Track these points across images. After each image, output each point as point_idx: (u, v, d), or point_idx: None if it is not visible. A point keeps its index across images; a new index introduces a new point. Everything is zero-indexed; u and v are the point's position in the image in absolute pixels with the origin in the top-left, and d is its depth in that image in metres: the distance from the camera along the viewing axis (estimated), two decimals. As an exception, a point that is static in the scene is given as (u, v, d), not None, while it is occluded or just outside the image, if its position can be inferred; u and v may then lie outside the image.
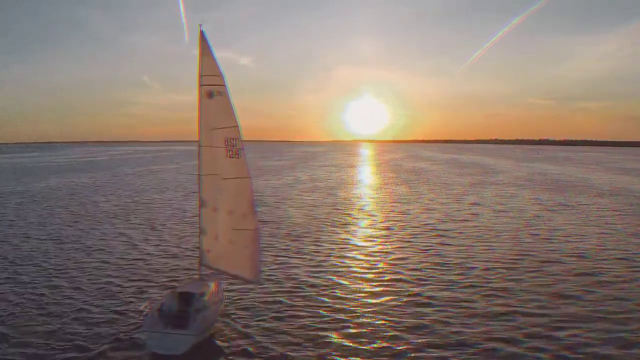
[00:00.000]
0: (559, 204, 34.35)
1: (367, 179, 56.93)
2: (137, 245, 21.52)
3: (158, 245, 21.51)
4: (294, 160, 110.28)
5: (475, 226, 25.47)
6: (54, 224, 26.43)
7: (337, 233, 23.83)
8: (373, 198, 37.46)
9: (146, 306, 13.50)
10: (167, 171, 69.96)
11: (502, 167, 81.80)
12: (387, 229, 24.86)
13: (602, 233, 24.33)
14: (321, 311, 13.78)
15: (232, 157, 13.67)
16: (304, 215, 28.68)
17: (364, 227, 25.48)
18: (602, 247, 21.23)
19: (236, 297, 14.78)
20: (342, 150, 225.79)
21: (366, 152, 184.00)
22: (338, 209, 31.14)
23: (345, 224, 26.11)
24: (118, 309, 14.03)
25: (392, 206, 32.70)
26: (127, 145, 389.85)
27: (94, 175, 61.00)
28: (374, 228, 25.18)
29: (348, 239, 22.53)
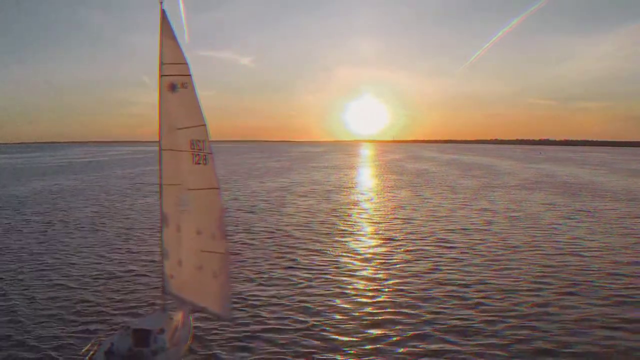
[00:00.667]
0: (576, 210, 31.79)
1: (367, 181, 54.42)
2: (104, 259, 18.88)
3: (127, 260, 18.90)
4: (292, 161, 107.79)
5: (489, 237, 22.83)
6: (21, 233, 23.94)
7: (334, 245, 21.26)
8: (374, 203, 34.93)
9: (93, 344, 11.06)
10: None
11: (506, 169, 79.27)
12: (390, 240, 22.25)
13: (631, 245, 21.73)
14: (312, 352, 11.24)
15: (199, 164, 11.16)
16: (297, 224, 26.14)
17: (364, 238, 22.91)
18: (635, 262, 18.67)
19: (208, 332, 12.22)
20: (342, 150, 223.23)
21: (366, 153, 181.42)
22: (335, 216, 28.63)
23: (343, 234, 23.55)
24: (62, 342, 11.53)
25: (394, 213, 30.16)
26: (127, 146, 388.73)
27: (83, 178, 58.54)
28: (376, 239, 22.60)
29: (345, 253, 19.98)
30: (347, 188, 45.41)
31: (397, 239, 22.40)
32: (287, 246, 20.83)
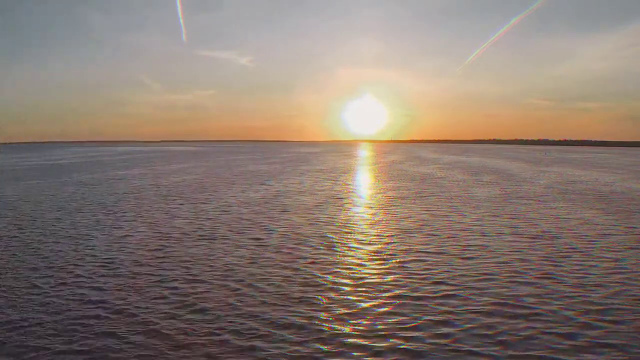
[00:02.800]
0: (647, 235, 23.77)
1: (365, 190, 46.22)
2: None
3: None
4: (284, 163, 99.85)
5: (566, 299, 14.12)
6: None
7: (319, 305, 13.23)
8: (376, 225, 26.80)
9: None
10: (132, 178, 59.36)
11: (520, 172, 71.48)
12: (409, 298, 13.90)
13: None
14: None
15: None
16: (265, 262, 18.00)
17: (363, 292, 14.76)
18: None
19: None
20: (340, 151, 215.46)
21: (365, 154, 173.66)
22: (321, 247, 20.48)
23: (334, 284, 15.46)
24: None
25: (406, 244, 22.02)
26: (123, 145, 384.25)
27: (36, 184, 50.33)
28: (384, 293, 14.33)
29: (336, 317, 12.01)
30: (341, 199, 37.34)
31: (419, 294, 14.34)
32: (246, 307, 12.78)
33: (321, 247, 20.56)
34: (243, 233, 23.41)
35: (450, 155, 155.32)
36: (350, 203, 35.31)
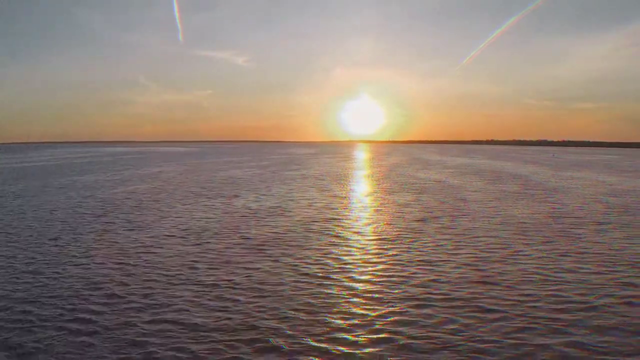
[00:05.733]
0: None
1: (364, 208, 35.17)
2: None
3: None
4: (272, 166, 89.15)
5: None
6: None
7: None
8: (383, 290, 16.09)
9: None
10: (77, 187, 48.66)
11: (544, 179, 61.07)
12: None
13: None
14: None
15: None
16: None
17: None
18: None
19: None
20: (336, 152, 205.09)
21: (362, 155, 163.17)
22: (303, 340, 9.90)
23: None
24: None
25: (444, 331, 11.44)
26: (122, 146, 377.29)
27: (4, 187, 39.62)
28: None
29: None
30: (330, 224, 26.49)
31: None
32: None
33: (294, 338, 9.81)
34: (125, 311, 12.53)
35: (453, 157, 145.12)
36: (342, 234, 24.05)
